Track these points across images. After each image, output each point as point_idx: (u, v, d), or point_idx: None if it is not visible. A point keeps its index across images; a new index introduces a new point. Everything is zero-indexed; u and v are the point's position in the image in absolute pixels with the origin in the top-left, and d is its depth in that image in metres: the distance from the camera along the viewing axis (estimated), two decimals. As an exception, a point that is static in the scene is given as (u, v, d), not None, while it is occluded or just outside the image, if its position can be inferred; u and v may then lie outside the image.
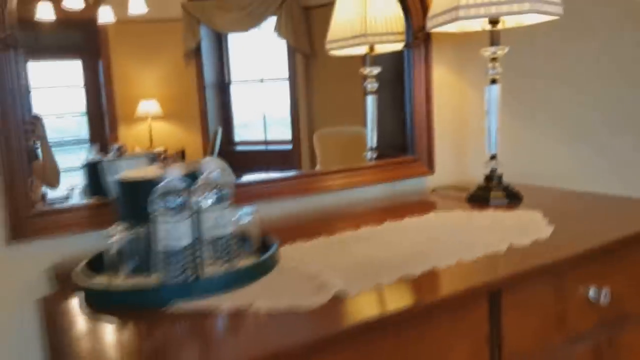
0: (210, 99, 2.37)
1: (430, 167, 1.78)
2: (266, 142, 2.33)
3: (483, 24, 1.54)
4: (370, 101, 1.87)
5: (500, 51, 1.54)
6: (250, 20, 2.14)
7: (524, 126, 1.98)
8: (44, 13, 1.99)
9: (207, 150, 2.31)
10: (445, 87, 1.83)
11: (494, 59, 1.55)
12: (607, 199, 1.55)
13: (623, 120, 1.96)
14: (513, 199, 1.56)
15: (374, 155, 1.89)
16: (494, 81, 1.56)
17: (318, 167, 1.78)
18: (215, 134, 2.31)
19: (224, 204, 0.93)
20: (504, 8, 1.37)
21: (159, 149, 2.34)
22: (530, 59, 1.93)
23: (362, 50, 1.81)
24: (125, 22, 2.19)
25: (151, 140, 2.40)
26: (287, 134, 2.12)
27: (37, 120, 1.41)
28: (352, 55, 1.87)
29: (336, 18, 1.79)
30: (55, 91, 2.03)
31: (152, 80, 2.47)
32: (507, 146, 1.73)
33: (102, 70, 2.34)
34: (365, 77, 1.82)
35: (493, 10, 1.38)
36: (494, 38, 1.53)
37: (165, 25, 2.27)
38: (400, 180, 1.75)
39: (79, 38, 2.33)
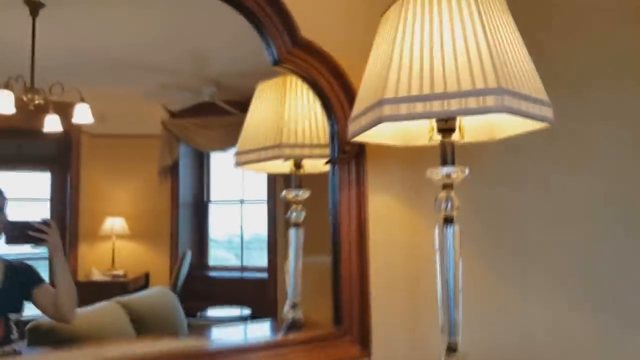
0: (183, 218, 2.28)
1: (364, 346, 1.14)
2: (242, 269, 2.21)
3: (430, 133, 1.00)
4: (294, 236, 1.31)
5: (458, 174, 0.98)
6: (231, 139, 2.00)
7: (509, 286, 1.35)
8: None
9: (176, 274, 2.12)
10: (391, 222, 1.25)
11: (447, 186, 0.99)
12: None
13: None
14: None
15: (298, 315, 1.27)
16: (448, 220, 0.98)
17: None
18: (183, 256, 2.16)
19: None
20: (454, 104, 0.84)
21: (118, 272, 2.16)
22: (512, 187, 1.36)
23: (284, 167, 1.29)
24: (99, 135, 2.16)
25: (113, 261, 2.24)
26: (264, 260, 1.97)
27: (48, 226, 0.96)
28: (276, 173, 1.36)
29: (249, 121, 1.30)
30: (19, 203, 1.88)
31: (122, 197, 2.41)
32: (483, 318, 1.12)
33: (70, 183, 2.28)
34: (289, 203, 1.27)
35: (436, 107, 0.85)
36: (446, 154, 0.98)
37: (142, 141, 2.23)
38: None
39: (52, 150, 2.31)
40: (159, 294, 1.81)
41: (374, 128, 0.94)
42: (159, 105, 2.07)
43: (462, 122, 0.98)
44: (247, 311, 1.77)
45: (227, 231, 2.30)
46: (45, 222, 1.08)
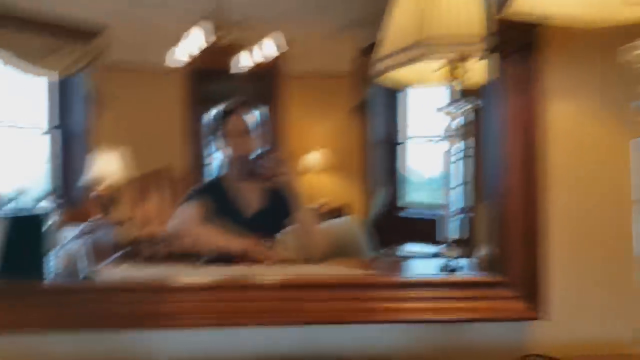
0: (377, 156, 2.27)
1: (532, 303, 0.84)
2: (438, 207, 2.08)
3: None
4: (449, 161, 1.05)
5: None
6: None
7: None
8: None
9: (368, 210, 2.17)
10: (580, 141, 0.88)
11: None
12: None
13: None
14: None
15: (453, 255, 1.03)
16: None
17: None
18: (377, 193, 2.17)
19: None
20: None
21: (317, 204, 2.23)
22: None
23: (435, 72, 1.02)
24: (296, 74, 2.27)
25: (313, 194, 2.34)
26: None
27: (280, 162, 1.00)
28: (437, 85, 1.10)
29: (388, 20, 1.05)
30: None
31: (319, 133, 2.52)
32: None
33: (273, 121, 2.36)
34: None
35: None
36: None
37: (335, 79, 2.30)
38: (472, 321, 0.85)
39: (257, 89, 2.49)
40: (345, 224, 1.77)
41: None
42: (349, 42, 2.06)
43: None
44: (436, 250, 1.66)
45: (422, 170, 2.23)
46: (278, 158, 0.95)
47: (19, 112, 2.17)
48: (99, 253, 1.64)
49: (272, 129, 2.54)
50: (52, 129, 2.23)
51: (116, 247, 1.77)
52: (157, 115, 2.51)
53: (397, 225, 2.10)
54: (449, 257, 0.97)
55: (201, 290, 0.83)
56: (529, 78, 0.82)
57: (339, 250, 1.53)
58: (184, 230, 1.01)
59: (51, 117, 2.25)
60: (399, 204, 2.15)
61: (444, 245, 1.00)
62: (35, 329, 0.78)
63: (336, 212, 2.22)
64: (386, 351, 0.83)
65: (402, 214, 2.16)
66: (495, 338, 0.86)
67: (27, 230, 0.76)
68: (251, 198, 1.07)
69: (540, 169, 0.84)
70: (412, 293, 0.86)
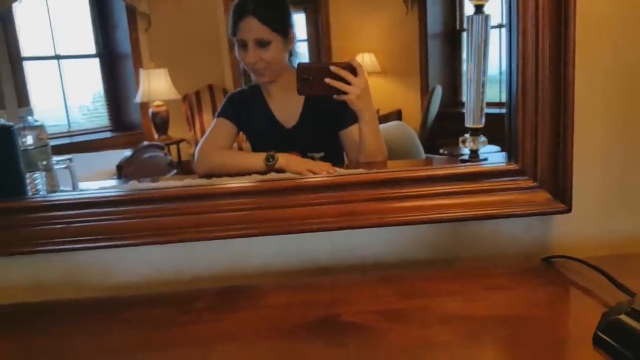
0: (433, 51, 2.12)
1: (556, 193, 0.74)
2: (500, 104, 2.02)
3: None
4: (475, 25, 0.82)
5: None
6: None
7: None
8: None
9: (425, 111, 2.04)
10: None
11: None
12: None
13: None
14: None
15: (476, 147, 0.87)
16: None
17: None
18: (433, 92, 2.02)
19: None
20: None
21: None
22: None
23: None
24: None
25: None
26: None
27: (352, 73, 0.75)
28: None
29: None
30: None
31: (370, 32, 2.41)
32: None
33: (321, 23, 2.37)
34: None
35: None
36: None
37: None
38: (489, 216, 0.75)
39: None
40: (395, 128, 1.75)
41: None
42: None
43: None
44: (494, 148, 1.57)
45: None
46: (349, 67, 0.76)
47: (69, 39, 2.21)
48: (156, 172, 1.68)
49: (322, 31, 2.41)
50: (99, 51, 2.26)
51: (172, 165, 1.79)
52: (202, 28, 2.43)
53: (459, 122, 1.94)
54: (470, 148, 0.84)
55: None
56: None
57: (393, 156, 1.48)
58: (204, 159, 0.91)
59: (97, 40, 2.28)
60: (459, 101, 2.02)
61: (467, 134, 0.86)
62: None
63: (393, 117, 2.14)
64: (387, 255, 0.76)
65: (462, 111, 2.10)
66: (510, 237, 0.77)
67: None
68: (292, 108, 0.93)
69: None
70: (412, 190, 0.74)
